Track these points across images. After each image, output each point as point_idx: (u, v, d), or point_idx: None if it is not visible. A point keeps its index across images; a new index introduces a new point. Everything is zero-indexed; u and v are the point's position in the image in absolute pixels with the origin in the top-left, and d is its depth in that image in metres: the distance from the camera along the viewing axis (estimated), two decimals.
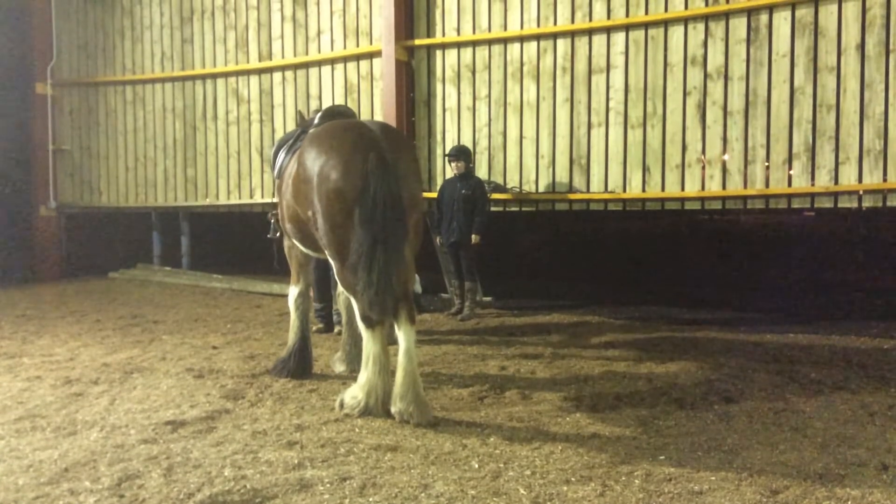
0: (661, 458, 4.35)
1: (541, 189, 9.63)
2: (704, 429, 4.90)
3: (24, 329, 8.65)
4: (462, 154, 9.21)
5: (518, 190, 9.77)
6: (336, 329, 8.12)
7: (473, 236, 9.00)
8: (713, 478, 4.05)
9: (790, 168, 8.27)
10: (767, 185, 8.42)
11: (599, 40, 9.21)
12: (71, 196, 13.77)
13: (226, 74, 12.24)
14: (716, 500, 3.77)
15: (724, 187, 8.60)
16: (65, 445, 4.62)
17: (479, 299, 9.57)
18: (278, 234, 6.79)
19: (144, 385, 6.08)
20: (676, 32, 8.80)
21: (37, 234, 13.68)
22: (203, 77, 12.48)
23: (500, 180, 9.87)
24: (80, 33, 13.57)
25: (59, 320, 9.26)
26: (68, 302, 10.77)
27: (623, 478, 4.05)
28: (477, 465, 4.26)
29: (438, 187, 9.61)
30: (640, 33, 8.97)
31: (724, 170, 8.59)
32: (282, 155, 6.69)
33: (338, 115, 6.42)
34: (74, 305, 10.42)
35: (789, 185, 8.31)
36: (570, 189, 9.42)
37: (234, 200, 12.28)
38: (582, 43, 9.31)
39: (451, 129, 10.27)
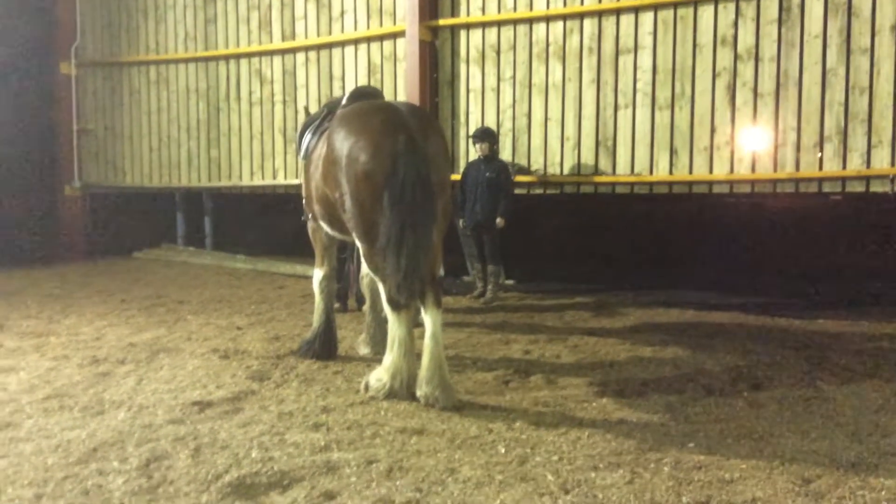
0: (691, 445, 4.31)
1: (565, 172, 9.55)
2: (734, 416, 4.84)
3: (50, 308, 8.72)
4: (487, 136, 9.11)
5: (542, 172, 9.68)
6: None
7: (498, 220, 8.92)
8: (744, 466, 4.00)
9: (822, 151, 8.13)
10: (798, 169, 8.29)
11: (627, 20, 9.07)
12: (95, 176, 13.84)
13: (249, 55, 12.22)
14: (747, 489, 3.72)
15: (753, 170, 8.47)
16: (92, 425, 4.65)
17: (501, 282, 9.51)
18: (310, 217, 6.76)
19: (171, 365, 6.11)
20: (706, 12, 8.65)
21: (61, 213, 13.79)
22: (226, 57, 12.46)
23: (524, 162, 9.80)
24: (103, 13, 13.58)
25: (85, 300, 9.33)
26: (93, 282, 10.84)
27: (652, 465, 4.01)
28: (503, 450, 4.23)
29: (462, 169, 9.54)
30: (669, 13, 8.83)
31: (754, 153, 8.46)
32: (308, 136, 6.66)
33: (366, 96, 6.36)
34: (99, 285, 10.49)
35: (820, 168, 8.18)
36: (596, 172, 9.33)
37: (257, 181, 12.29)
38: (609, 23, 9.18)
39: (474, 111, 10.19)
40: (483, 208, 9.00)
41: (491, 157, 9.11)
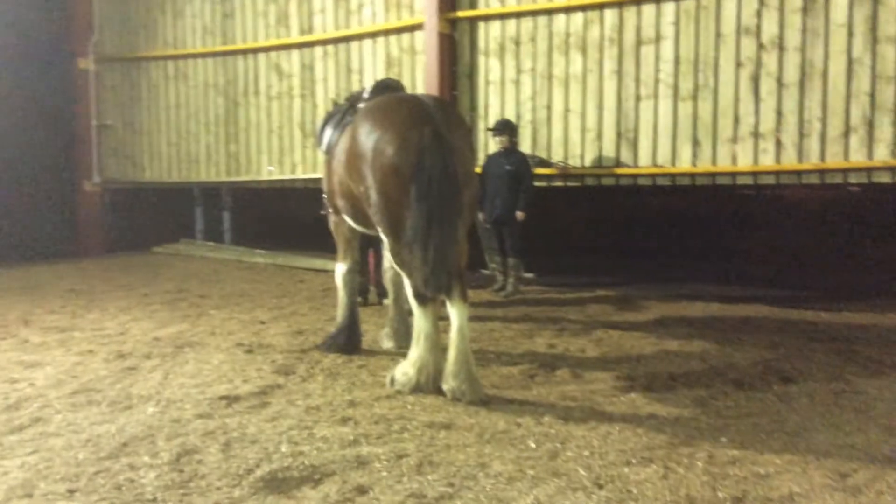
0: (723, 440, 4.26)
1: (586, 164, 9.49)
2: (765, 410, 4.80)
3: (73, 303, 8.76)
4: (506, 128, 9.05)
5: (563, 165, 9.62)
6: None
7: (518, 213, 8.86)
8: (778, 461, 3.95)
9: (848, 142, 8.03)
10: (823, 160, 8.19)
11: (649, 10, 8.98)
12: (114, 171, 13.89)
13: (267, 49, 12.21)
14: (783, 484, 3.67)
15: (777, 161, 8.39)
16: (121, 420, 4.65)
17: (521, 276, 9.46)
18: (331, 211, 6.73)
19: (196, 359, 6.12)
20: (729, 2, 8.55)
21: (81, 209, 13.84)
22: (244, 52, 12.45)
23: (544, 155, 9.73)
24: (121, 8, 13.60)
25: (107, 294, 9.36)
26: (114, 276, 10.89)
27: (685, 460, 3.97)
28: (534, 445, 4.21)
29: (482, 162, 9.49)
30: (691, 3, 8.73)
31: (778, 143, 8.37)
32: (329, 130, 6.62)
33: (389, 89, 6.33)
34: (121, 280, 10.53)
35: (846, 158, 8.07)
36: (617, 163, 9.26)
37: (275, 176, 12.29)
38: (631, 13, 9.09)
39: (494, 103, 10.14)
40: (503, 201, 8.94)
41: (510, 149, 9.05)
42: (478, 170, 9.19)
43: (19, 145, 12.89)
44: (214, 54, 12.77)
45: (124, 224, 14.06)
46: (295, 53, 11.95)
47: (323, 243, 8.95)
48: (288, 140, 12.14)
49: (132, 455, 4.07)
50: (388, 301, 6.74)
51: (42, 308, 8.45)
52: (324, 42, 11.60)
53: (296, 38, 11.88)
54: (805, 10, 8.20)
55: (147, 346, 6.60)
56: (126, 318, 7.85)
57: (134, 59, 13.54)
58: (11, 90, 12.74)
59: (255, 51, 12.34)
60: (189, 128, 13.19)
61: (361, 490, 3.62)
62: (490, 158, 9.24)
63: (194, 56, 12.98)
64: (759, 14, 8.43)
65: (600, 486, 3.66)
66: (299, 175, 11.96)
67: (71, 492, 3.62)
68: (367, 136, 5.25)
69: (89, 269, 11.64)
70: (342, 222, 6.33)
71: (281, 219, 14.55)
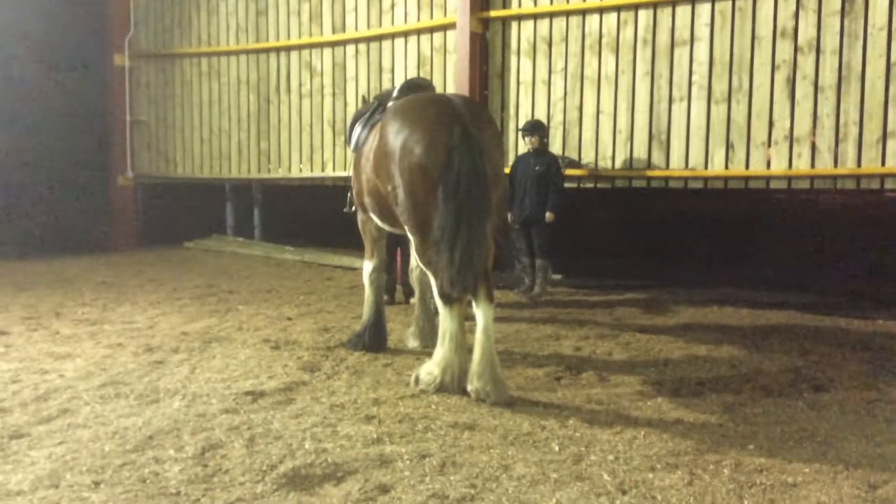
0: (751, 447, 4.19)
1: (617, 165, 9.41)
2: (794, 418, 4.71)
3: (104, 296, 8.87)
4: (537, 129, 8.99)
5: (593, 166, 9.55)
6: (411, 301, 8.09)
7: (547, 214, 8.80)
8: (807, 470, 3.88)
9: (885, 147, 7.88)
10: (859, 165, 8.04)
11: (683, 11, 8.88)
12: (147, 167, 14.06)
13: (299, 47, 12.27)
14: (811, 494, 3.61)
15: (812, 166, 8.25)
16: (148, 413, 4.70)
17: (549, 278, 9.40)
18: (353, 209, 6.75)
19: (223, 355, 6.16)
20: (766, 3, 8.43)
21: (114, 203, 14.03)
22: (277, 49, 12.53)
23: (574, 156, 9.67)
24: (156, 5, 13.76)
25: (138, 288, 9.47)
26: (145, 270, 11.01)
27: (711, 467, 3.91)
28: (557, 448, 4.17)
29: (511, 162, 9.45)
30: (727, 4, 8.62)
31: (814, 148, 8.24)
32: (358, 128, 6.64)
33: (417, 88, 6.33)
34: (152, 274, 10.65)
35: (883, 164, 7.92)
36: (649, 166, 9.17)
37: (305, 173, 12.35)
38: (665, 14, 9.00)
39: (524, 103, 10.09)
40: (532, 202, 8.88)
41: (541, 150, 9.00)
42: (507, 170, 9.20)
43: (55, 139, 13.10)
44: (247, 52, 12.86)
45: (156, 219, 14.23)
46: (327, 51, 12.00)
47: (351, 241, 8.99)
48: (318, 138, 12.19)
49: (157, 448, 4.10)
50: (414, 300, 6.73)
51: (74, 300, 8.57)
52: (356, 40, 11.63)
53: (328, 36, 11.92)
54: (843, 13, 8.05)
55: (175, 340, 6.66)
56: (155, 312, 7.93)
57: (168, 56, 13.69)
58: (48, 85, 12.95)
59: (288, 48, 12.41)
60: (221, 124, 13.30)
61: (383, 489, 3.62)
62: (519, 159, 9.20)
63: (227, 53, 13.09)
64: (796, 16, 8.30)
65: (624, 492, 3.62)
66: (329, 173, 12.01)
67: (96, 483, 3.66)
68: (396, 136, 5.25)
69: (121, 263, 11.79)
70: (369, 221, 6.33)
71: (310, 216, 14.61)
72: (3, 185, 12.45)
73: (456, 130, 4.98)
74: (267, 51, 12.66)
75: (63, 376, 5.49)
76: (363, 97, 7.62)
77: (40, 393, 5.06)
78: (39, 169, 12.92)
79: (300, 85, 12.35)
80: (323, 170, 12.14)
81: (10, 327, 7.13)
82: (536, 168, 8.84)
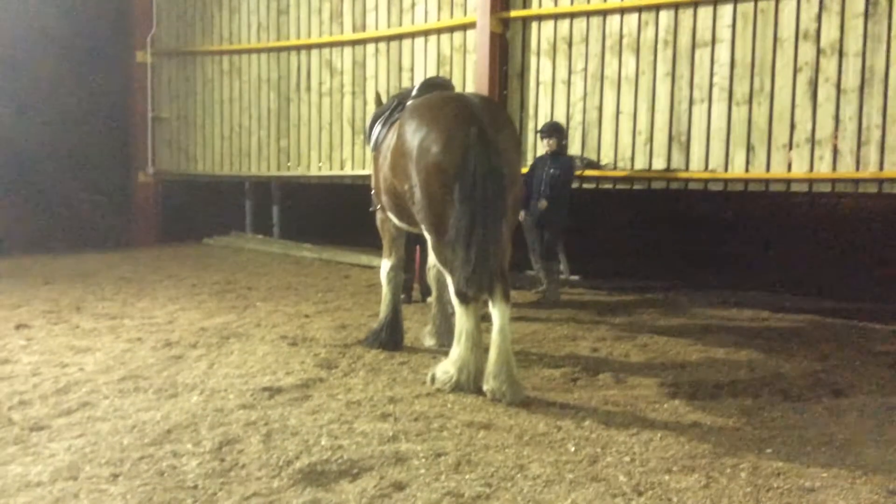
0: (768, 451, 4.17)
1: (636, 167, 9.36)
2: (813, 422, 4.68)
3: (124, 291, 8.95)
4: (554, 131, 8.89)
5: (613, 167, 9.52)
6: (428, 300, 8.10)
7: (542, 202, 8.71)
8: (825, 475, 3.85)
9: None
10: (882, 168, 7.96)
11: (705, 12, 8.83)
12: (168, 163, 14.15)
13: (320, 46, 12.31)
14: (829, 499, 3.58)
15: (834, 169, 8.18)
16: (166, 407, 4.74)
17: (563, 278, 9.35)
18: (377, 207, 6.76)
19: (241, 350, 6.20)
20: (788, 5, 8.36)
21: (135, 199, 14.14)
22: (298, 48, 12.57)
23: (593, 157, 9.64)
24: (178, 3, 13.84)
25: (157, 284, 9.55)
26: (165, 266, 11.10)
27: (728, 470, 3.90)
28: (573, 449, 4.17)
29: (529, 163, 9.42)
30: (749, 6, 8.56)
31: (835, 151, 8.17)
32: (378, 127, 6.65)
33: (436, 87, 6.34)
34: (171, 270, 10.73)
35: None
36: (668, 167, 9.12)
37: (324, 172, 12.39)
38: (686, 15, 8.95)
39: (544, 104, 10.07)
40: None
41: (557, 152, 8.93)
42: (525, 170, 9.17)
43: (77, 135, 13.22)
44: (268, 50, 12.92)
45: (176, 215, 14.32)
46: (347, 50, 12.03)
47: (368, 239, 9.02)
48: (338, 136, 12.23)
49: (175, 442, 4.14)
50: (431, 299, 6.74)
51: (94, 295, 8.65)
52: (376, 39, 11.65)
53: (348, 35, 11.95)
54: (867, 15, 7.97)
55: (194, 335, 6.71)
56: (174, 308, 7.99)
57: (190, 53, 13.77)
58: (71, 82, 13.07)
59: (309, 47, 12.46)
60: (241, 122, 13.37)
61: (398, 486, 3.63)
62: (537, 160, 9.15)
63: (248, 51, 13.15)
64: (818, 18, 8.22)
65: (640, 493, 3.61)
66: (348, 171, 12.04)
67: (115, 476, 3.70)
68: (413, 135, 5.26)
69: (141, 259, 11.89)
70: (388, 219, 6.35)
71: (329, 214, 14.67)
72: (26, 180, 12.58)
73: (472, 130, 4.98)
74: (287, 49, 12.71)
75: (83, 370, 5.55)
76: (377, 95, 7.62)
77: (60, 386, 5.11)
78: (61, 165, 13.04)
79: (320, 83, 12.39)
80: (342, 168, 12.17)
81: (31, 321, 7.22)
82: (552, 171, 8.80)
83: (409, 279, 8.39)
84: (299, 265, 11.55)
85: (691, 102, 8.98)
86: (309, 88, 12.53)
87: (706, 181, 8.92)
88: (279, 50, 12.80)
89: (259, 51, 13.03)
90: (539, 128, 9.36)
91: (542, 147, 9.10)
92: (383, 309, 6.47)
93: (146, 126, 14.05)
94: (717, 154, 8.83)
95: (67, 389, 5.05)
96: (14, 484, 3.58)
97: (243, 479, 3.70)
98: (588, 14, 9.63)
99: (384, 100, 7.42)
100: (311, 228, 13.83)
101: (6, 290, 8.77)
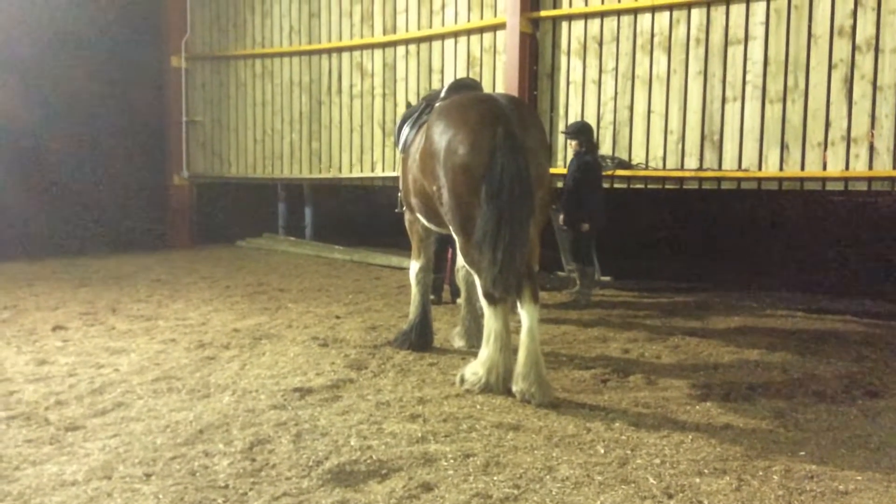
0: (801, 453, 4.11)
1: (668, 166, 9.28)
2: (847, 424, 4.61)
3: (158, 293, 9.07)
4: (579, 132, 8.81)
5: (644, 167, 9.44)
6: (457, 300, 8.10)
7: (562, 216, 8.71)
8: (859, 477, 3.79)
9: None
10: None
11: (738, 10, 8.72)
12: (202, 166, 14.33)
13: (351, 48, 12.37)
14: (863, 502, 3.54)
15: (870, 167, 8.03)
16: (199, 407, 4.80)
17: (595, 279, 9.28)
18: (403, 209, 6.79)
19: (272, 351, 6.26)
20: (823, 2, 8.21)
21: (170, 202, 14.32)
22: (329, 51, 12.65)
23: (625, 156, 9.57)
24: (212, 7, 14.01)
25: (191, 285, 9.67)
26: (199, 268, 11.23)
27: (760, 473, 3.85)
28: (603, 451, 4.15)
29: (560, 163, 9.38)
30: (782, 2, 8.42)
31: (872, 149, 8.02)
32: (406, 129, 6.67)
33: (465, 88, 6.34)
34: (205, 272, 10.86)
35: None
36: (701, 166, 9.02)
37: (356, 174, 12.46)
38: (718, 13, 8.85)
39: (574, 104, 10.02)
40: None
41: (581, 153, 8.83)
42: (557, 170, 9.14)
43: (113, 139, 13.44)
44: (300, 53, 13.01)
45: (210, 217, 14.51)
46: (378, 53, 12.08)
47: (399, 241, 9.05)
48: (369, 138, 12.29)
49: (207, 442, 4.19)
50: (460, 300, 6.75)
51: (129, 297, 8.78)
52: (406, 41, 11.68)
53: (379, 37, 12.00)
54: None
55: (226, 336, 6.78)
56: (208, 309, 8.09)
57: (223, 58, 13.93)
58: (106, 86, 13.27)
59: (340, 50, 12.52)
60: (274, 125, 13.49)
61: (427, 487, 3.64)
62: (573, 160, 9.06)
63: (281, 55, 13.26)
64: (854, 14, 8.08)
65: (670, 496, 3.58)
66: (378, 173, 12.09)
67: (147, 475, 3.75)
68: (441, 136, 5.27)
69: (176, 261, 12.05)
70: (417, 221, 6.37)
71: (360, 216, 14.75)
72: (62, 184, 12.81)
73: (500, 131, 4.98)
74: (319, 52, 12.79)
75: (118, 370, 5.65)
76: (408, 103, 7.65)
77: (96, 386, 5.20)
78: (97, 168, 13.27)
79: (351, 86, 12.46)
80: (373, 170, 12.23)
81: (68, 322, 7.35)
82: (574, 171, 8.75)
83: (440, 279, 8.42)
84: (331, 267, 11.63)
85: (724, 101, 8.86)
86: (340, 91, 12.60)
87: (739, 180, 8.81)
88: (311, 53, 12.89)
89: (291, 54, 13.13)
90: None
91: (571, 148, 9.07)
92: (413, 310, 6.49)
93: (181, 130, 14.24)
94: (750, 153, 8.71)
95: (102, 390, 5.14)
96: (49, 483, 3.65)
97: (273, 478, 3.73)
98: (619, 13, 9.56)
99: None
100: (342, 230, 13.92)
101: (44, 293, 8.94)
